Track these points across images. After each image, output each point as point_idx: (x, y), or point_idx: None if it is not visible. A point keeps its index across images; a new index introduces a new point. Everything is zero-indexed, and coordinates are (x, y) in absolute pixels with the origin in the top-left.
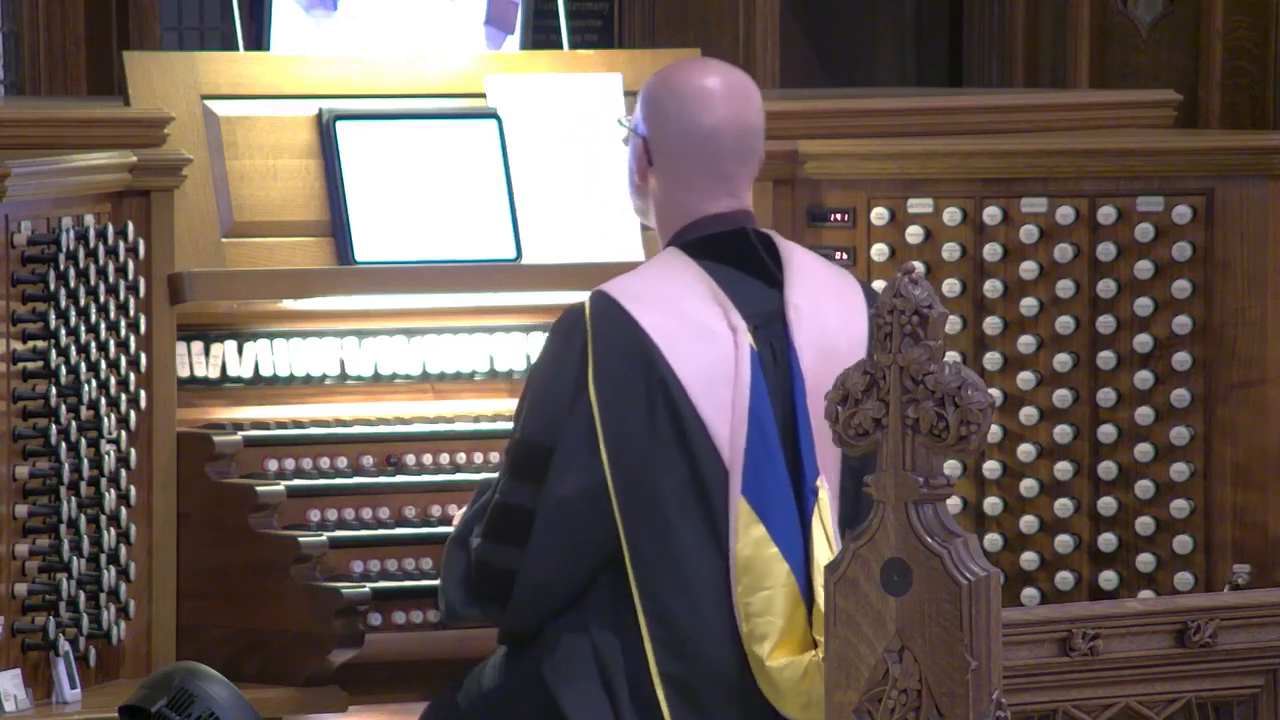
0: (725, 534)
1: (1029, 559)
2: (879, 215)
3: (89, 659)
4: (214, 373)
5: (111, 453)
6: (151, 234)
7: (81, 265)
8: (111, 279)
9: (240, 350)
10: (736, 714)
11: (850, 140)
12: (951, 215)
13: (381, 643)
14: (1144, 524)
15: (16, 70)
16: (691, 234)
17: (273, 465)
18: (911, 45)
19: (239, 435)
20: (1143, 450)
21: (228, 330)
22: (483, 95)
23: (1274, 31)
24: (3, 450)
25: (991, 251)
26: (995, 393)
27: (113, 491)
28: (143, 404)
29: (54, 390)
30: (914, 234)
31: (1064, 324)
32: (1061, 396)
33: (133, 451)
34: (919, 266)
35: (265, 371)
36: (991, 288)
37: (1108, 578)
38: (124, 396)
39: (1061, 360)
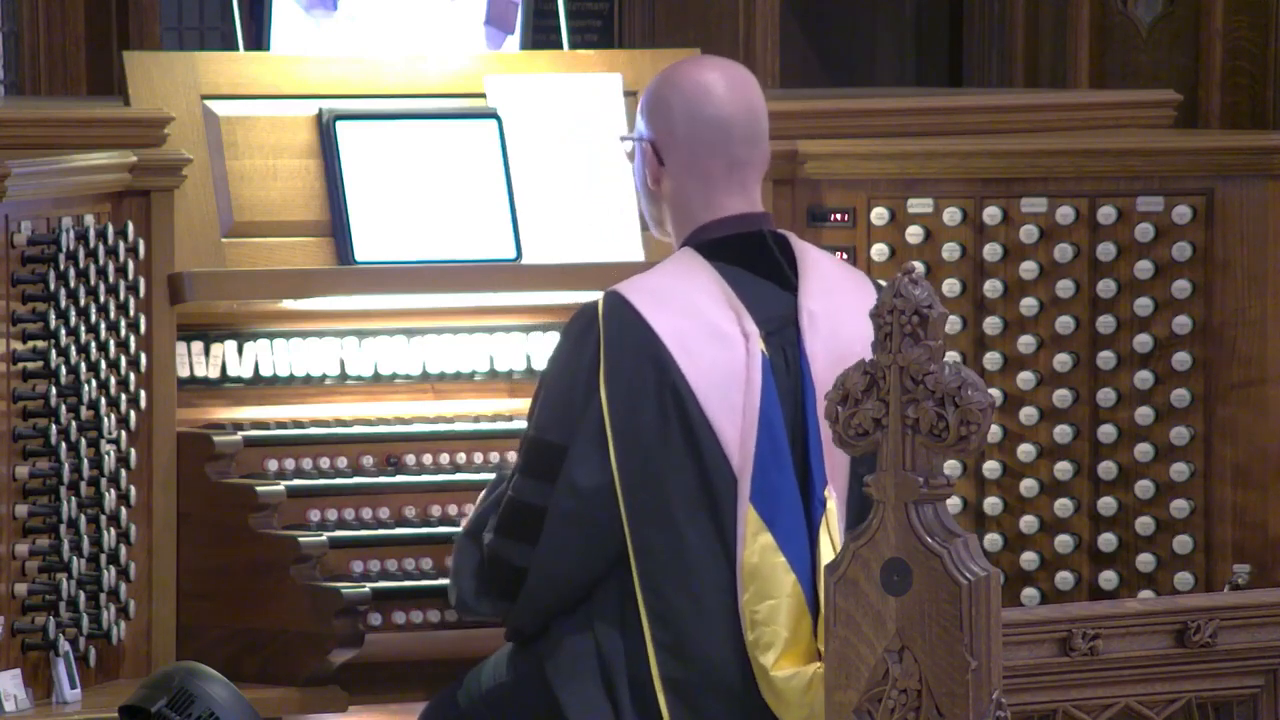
0: (732, 540)
1: (1029, 559)
2: (879, 215)
3: (89, 659)
4: (214, 373)
5: (111, 453)
6: (151, 234)
7: (81, 265)
8: (111, 279)
9: (240, 350)
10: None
11: (850, 140)
12: (951, 215)
13: (381, 643)
14: (1144, 524)
15: (16, 70)
16: (707, 234)
17: (273, 465)
18: (911, 45)
19: (239, 435)
20: (1143, 450)
21: (228, 330)
22: (483, 95)
23: (1274, 31)
24: (3, 450)
25: (991, 251)
26: (995, 393)
27: (113, 491)
28: (143, 404)
29: (54, 390)
30: (914, 234)
31: (1064, 324)
32: (1061, 396)
33: (133, 451)
34: (919, 266)
35: (265, 371)
36: (991, 288)
37: (1108, 578)
38: (124, 396)
39: (1061, 360)
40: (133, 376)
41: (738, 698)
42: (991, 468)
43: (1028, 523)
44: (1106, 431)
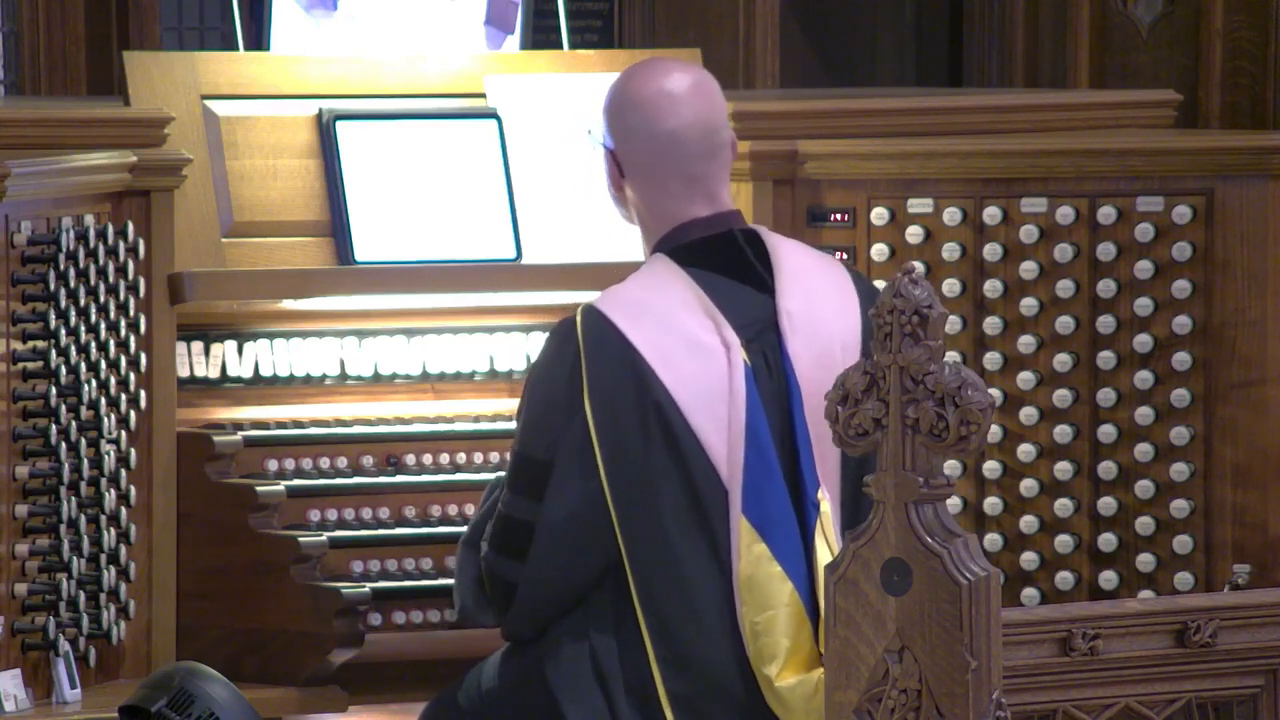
0: (726, 552)
1: (1029, 559)
2: (879, 215)
3: (89, 659)
4: (214, 373)
5: (111, 453)
6: (151, 234)
7: (81, 265)
8: (111, 279)
9: (240, 350)
10: None
11: (850, 140)
12: (951, 215)
13: (381, 643)
14: (1144, 524)
15: (16, 70)
16: (678, 239)
17: (273, 465)
18: (911, 45)
19: (239, 435)
20: (1143, 450)
21: (228, 330)
22: (483, 95)
23: (1274, 31)
24: (3, 450)
25: (991, 251)
26: (995, 393)
27: (113, 491)
28: (143, 404)
29: (54, 390)
30: (914, 234)
31: (1064, 324)
32: (1061, 396)
33: (133, 451)
34: (919, 266)
35: (265, 371)
36: (991, 288)
37: (1108, 578)
38: (124, 396)
39: (1061, 360)
40: (133, 376)
41: (742, 708)
42: (991, 468)
43: (1028, 523)
44: (1106, 431)
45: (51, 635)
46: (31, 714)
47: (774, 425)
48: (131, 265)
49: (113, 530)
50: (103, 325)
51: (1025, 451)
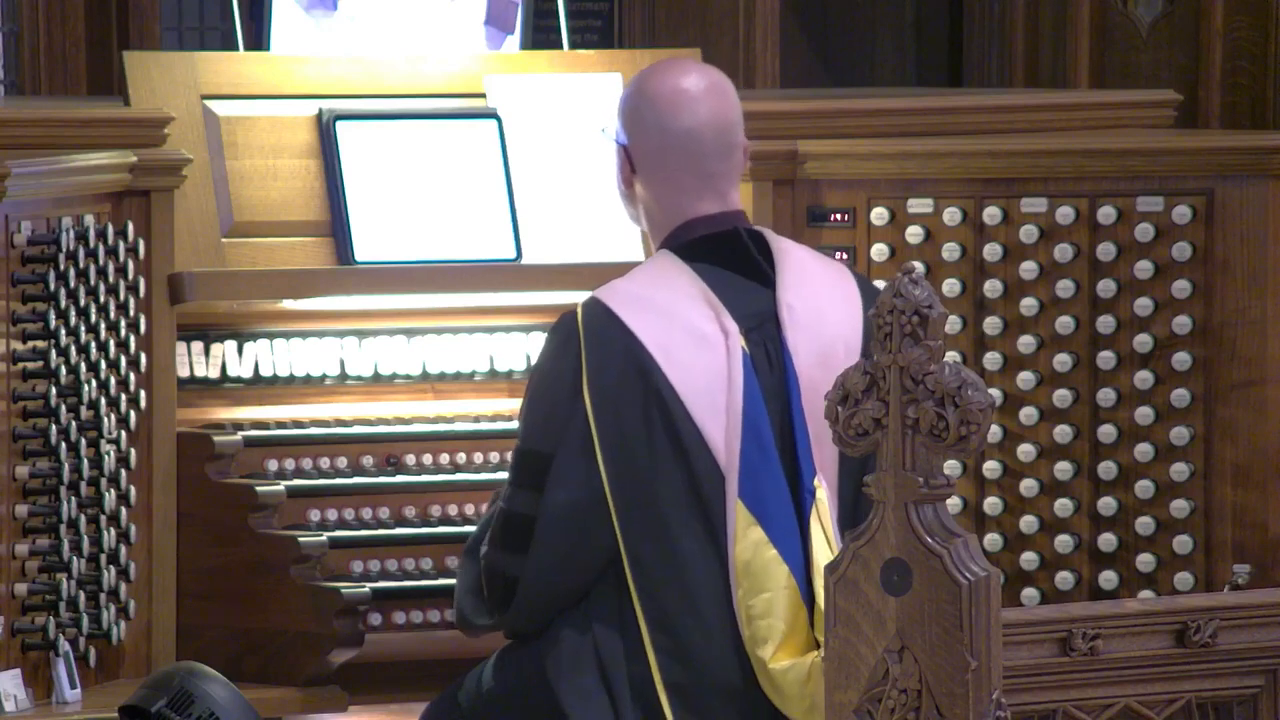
0: (724, 540)
1: (1029, 559)
2: (879, 215)
3: (89, 659)
4: (214, 373)
5: (111, 453)
6: (151, 234)
7: (81, 265)
8: (111, 279)
9: (240, 350)
10: (740, 719)
11: (850, 140)
12: (951, 215)
13: (381, 643)
14: (1144, 524)
15: (16, 70)
16: (683, 236)
17: (273, 465)
18: (911, 45)
19: (239, 435)
20: (1143, 450)
21: (228, 330)
22: (483, 95)
23: (1274, 31)
24: (3, 450)
25: (991, 251)
26: (995, 393)
27: (113, 491)
28: (143, 404)
29: (54, 390)
30: (914, 234)
31: (1064, 324)
32: (1061, 396)
33: (133, 451)
34: (919, 266)
35: (265, 371)
36: (991, 288)
37: (1108, 578)
38: (124, 396)
39: (1061, 360)
40: (133, 376)
41: (740, 698)
42: (991, 468)
43: (1028, 523)
44: (1106, 431)
45: (51, 635)
46: (31, 714)
47: (772, 414)
48: (131, 265)
49: (113, 530)
50: (103, 325)
51: (1025, 451)
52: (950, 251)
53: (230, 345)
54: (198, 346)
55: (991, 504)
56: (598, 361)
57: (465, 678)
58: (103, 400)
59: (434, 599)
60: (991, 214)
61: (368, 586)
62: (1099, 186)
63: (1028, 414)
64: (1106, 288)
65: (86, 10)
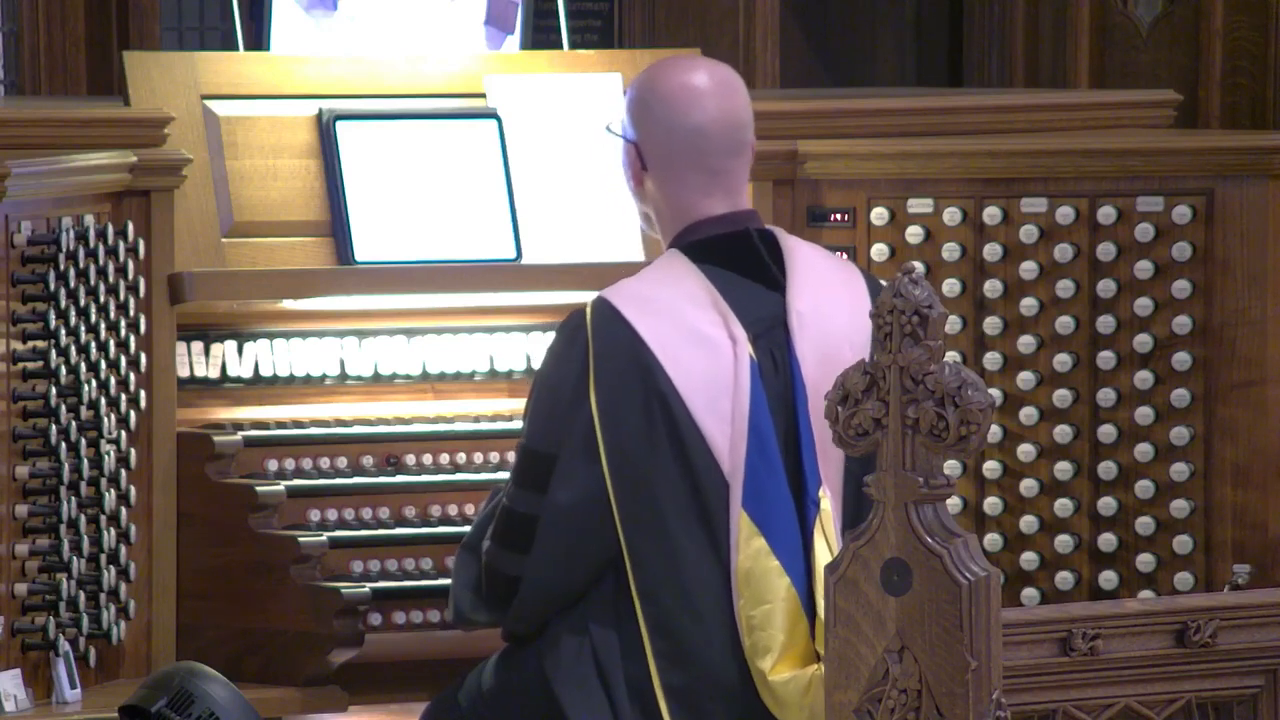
0: (726, 546)
1: (1029, 559)
2: (879, 215)
3: (89, 659)
4: (214, 373)
5: (111, 453)
6: (151, 234)
7: (81, 265)
8: (111, 279)
9: (240, 350)
10: None
11: (850, 140)
12: (951, 215)
13: (381, 643)
14: (1144, 524)
15: (16, 70)
16: (693, 235)
17: (273, 465)
18: (911, 45)
19: (239, 435)
20: (1143, 450)
21: (228, 330)
22: (483, 95)
23: (1274, 31)
24: (3, 450)
25: (991, 251)
26: (995, 393)
27: (113, 491)
28: (143, 404)
29: (54, 390)
30: (914, 234)
31: (1064, 324)
32: (1061, 396)
33: (133, 451)
34: (919, 266)
35: (265, 371)
36: (991, 288)
37: (1108, 578)
38: (124, 396)
39: (1061, 360)
40: (133, 376)
41: (739, 702)
42: (991, 468)
43: (1028, 523)
44: (1106, 431)
45: (51, 635)
46: (31, 714)
47: (778, 422)
48: (131, 265)
49: (113, 530)
50: (103, 325)
51: (1025, 451)
52: (950, 251)
53: (230, 345)
54: (198, 346)
55: (991, 504)
56: (604, 362)
57: (465, 678)
58: (103, 400)
59: (434, 599)
60: (991, 214)
61: (368, 586)
62: (1099, 186)
63: (1028, 414)
64: (1106, 288)
65: (86, 10)
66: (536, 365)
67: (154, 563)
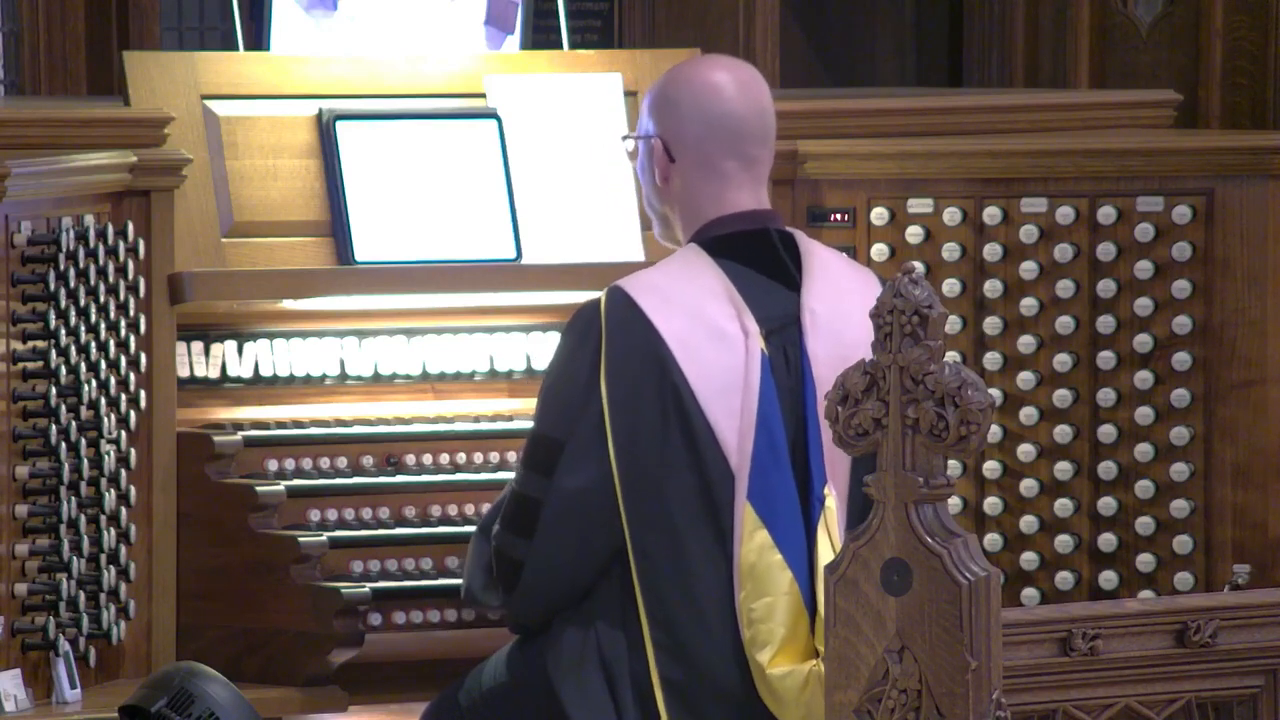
0: (730, 539)
1: (1029, 559)
2: (879, 215)
3: (89, 659)
4: (214, 373)
5: (111, 453)
6: (151, 234)
7: (81, 265)
8: (111, 279)
9: (240, 350)
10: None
11: (850, 140)
12: (951, 215)
13: (381, 643)
14: (1144, 524)
15: (16, 70)
16: (714, 231)
17: (273, 465)
18: (911, 45)
19: (239, 435)
20: (1143, 450)
21: (228, 330)
22: (483, 95)
23: (1274, 31)
24: (3, 450)
25: (991, 251)
26: (995, 393)
27: (113, 491)
28: (143, 404)
29: (54, 390)
30: (914, 234)
31: (1064, 324)
32: (1061, 396)
33: (133, 451)
34: (919, 266)
35: (265, 371)
36: (991, 288)
37: (1108, 578)
38: (124, 396)
39: (1061, 360)
40: (133, 376)
41: (736, 699)
42: (991, 468)
43: (1028, 523)
44: (1106, 431)
45: (51, 635)
46: (31, 714)
47: (787, 419)
48: (131, 265)
49: (113, 530)
50: (103, 325)
51: (1025, 451)
52: (950, 251)
53: (230, 345)
54: (198, 346)
55: (991, 504)
56: (616, 350)
57: (466, 678)
58: (103, 400)
59: (434, 599)
60: (991, 214)
61: (368, 586)
62: (1099, 186)
63: (1028, 414)
64: (1106, 288)
65: (86, 10)
66: (537, 365)
67: (154, 563)
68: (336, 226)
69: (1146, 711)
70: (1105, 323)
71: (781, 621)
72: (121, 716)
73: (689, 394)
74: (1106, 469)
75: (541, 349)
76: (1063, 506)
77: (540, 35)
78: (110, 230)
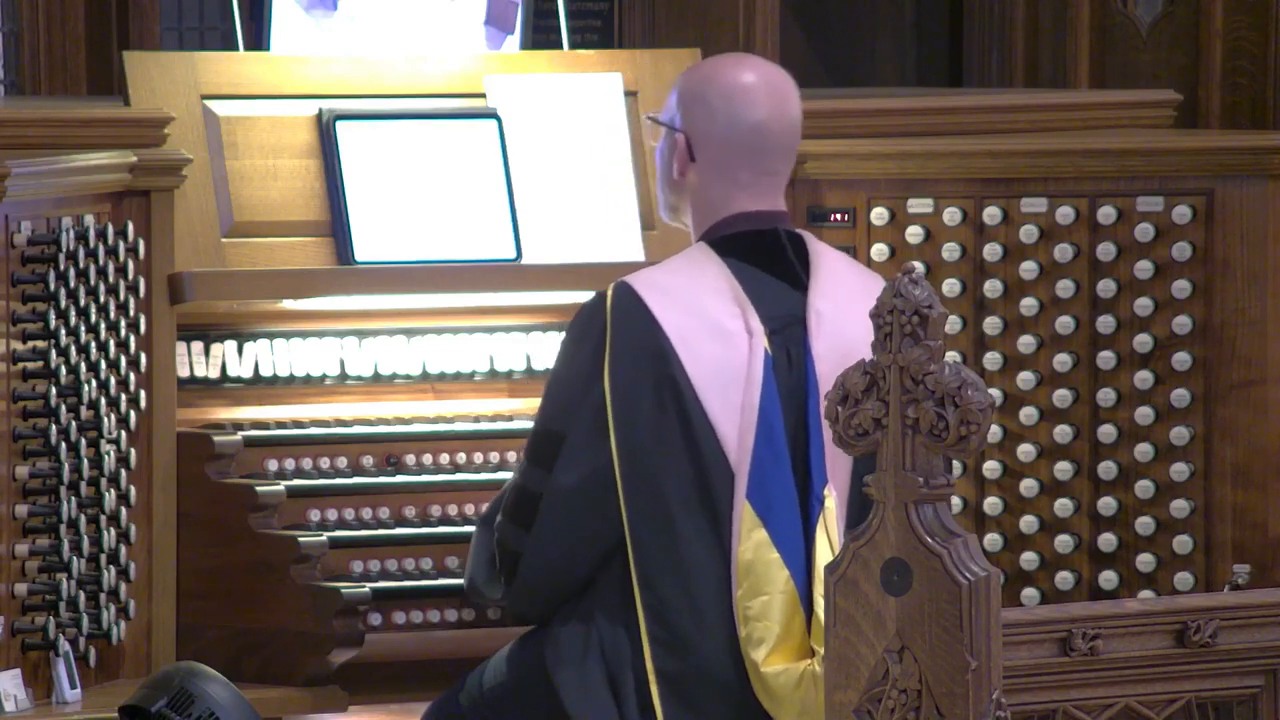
0: (728, 536)
1: (1029, 559)
2: (879, 215)
3: (89, 659)
4: (214, 373)
5: (111, 453)
6: (151, 234)
7: (81, 265)
8: (111, 279)
9: (240, 350)
10: (730, 716)
11: (850, 140)
12: (951, 215)
13: (381, 643)
14: (1144, 524)
15: (16, 70)
16: (723, 230)
17: (273, 465)
18: (911, 45)
19: (239, 435)
20: (1143, 450)
21: (228, 330)
22: (483, 95)
23: (1274, 31)
24: (3, 450)
25: (991, 251)
26: (995, 393)
27: (113, 491)
28: (143, 404)
29: (54, 390)
30: (914, 234)
31: (1064, 324)
32: (1061, 396)
33: (133, 451)
34: (919, 266)
35: (265, 371)
36: (991, 288)
37: (1108, 578)
38: (124, 396)
39: (1061, 360)
40: (133, 376)
41: (731, 693)
42: (991, 468)
43: (1028, 523)
44: (1106, 431)
45: (51, 635)
46: (31, 714)
47: (789, 418)
48: (131, 265)
49: (113, 530)
50: (103, 325)
51: (1025, 451)
52: (950, 251)
53: (230, 345)
54: (198, 346)
55: (991, 504)
56: (620, 344)
57: (466, 678)
58: (103, 400)
59: (434, 599)
60: (991, 214)
61: (368, 586)
62: (1099, 186)
63: (1028, 414)
64: (1106, 288)
65: (86, 10)
66: (537, 365)
67: (154, 563)
68: (336, 226)
69: (1146, 711)
70: (1105, 323)
71: (777, 620)
72: (121, 716)
73: (687, 387)
74: (1106, 469)
75: (541, 349)
76: (1063, 506)
77: (540, 35)
78: (110, 230)
